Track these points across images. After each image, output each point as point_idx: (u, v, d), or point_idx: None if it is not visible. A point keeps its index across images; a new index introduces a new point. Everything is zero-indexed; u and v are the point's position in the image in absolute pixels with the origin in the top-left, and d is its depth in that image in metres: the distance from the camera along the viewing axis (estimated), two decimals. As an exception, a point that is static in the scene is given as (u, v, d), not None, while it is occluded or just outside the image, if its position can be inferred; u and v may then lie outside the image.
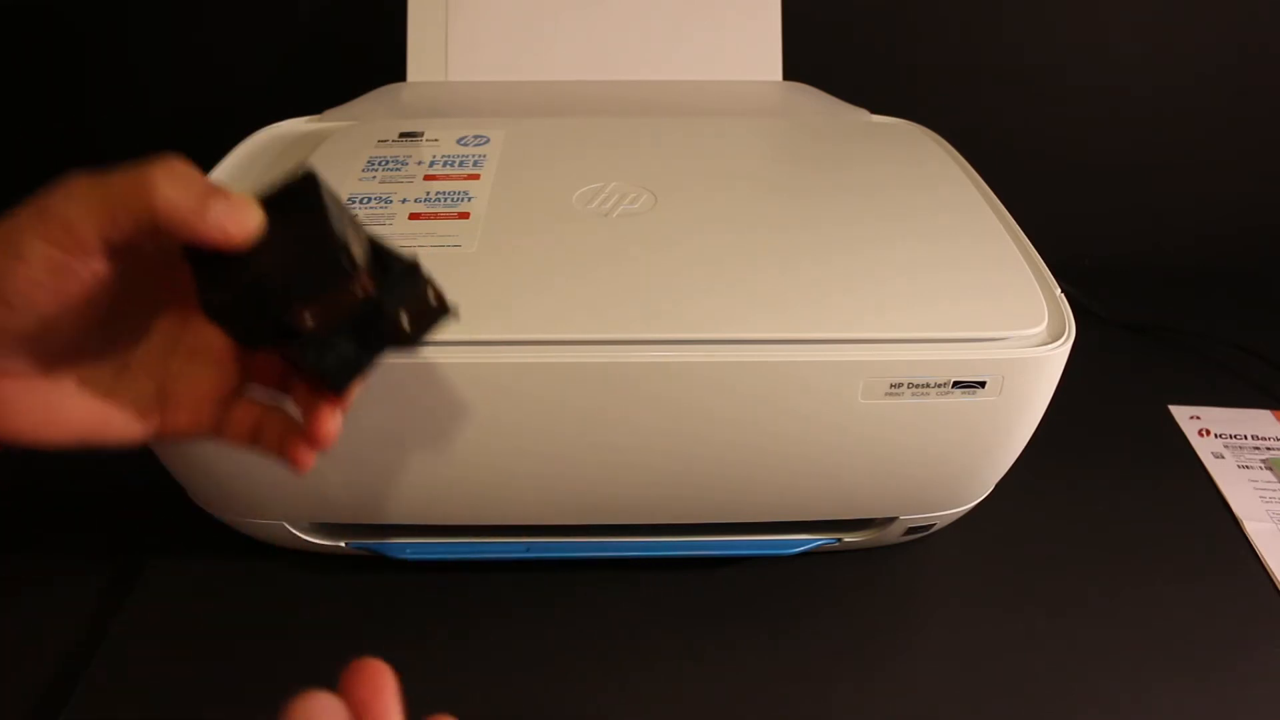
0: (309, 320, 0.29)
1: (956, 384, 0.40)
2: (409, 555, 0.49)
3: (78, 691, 0.45)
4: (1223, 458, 0.62)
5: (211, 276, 0.30)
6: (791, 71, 0.65)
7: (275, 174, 0.51)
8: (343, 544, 0.50)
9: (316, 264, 0.29)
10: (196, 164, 0.51)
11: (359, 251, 0.30)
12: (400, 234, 0.44)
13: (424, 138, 0.53)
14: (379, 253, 0.31)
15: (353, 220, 0.32)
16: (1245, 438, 0.63)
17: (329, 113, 0.61)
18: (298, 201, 0.31)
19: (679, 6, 0.64)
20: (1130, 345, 0.73)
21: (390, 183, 0.49)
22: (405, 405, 0.40)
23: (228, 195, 0.31)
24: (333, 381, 0.31)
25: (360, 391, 0.39)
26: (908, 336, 0.40)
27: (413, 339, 0.31)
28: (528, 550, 0.49)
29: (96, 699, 0.45)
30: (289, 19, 0.76)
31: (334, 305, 0.30)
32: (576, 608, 0.50)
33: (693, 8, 0.64)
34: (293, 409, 0.34)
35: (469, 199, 0.47)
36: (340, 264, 0.29)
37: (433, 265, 0.42)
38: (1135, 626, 0.50)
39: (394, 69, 0.64)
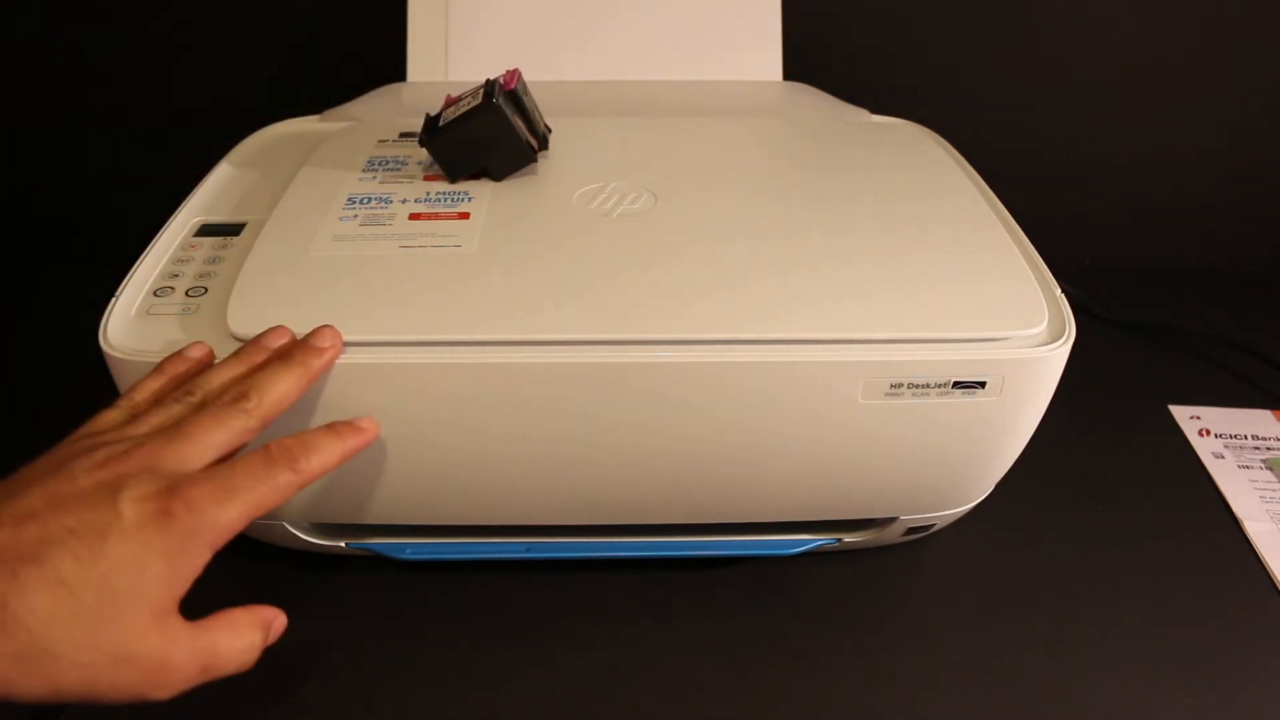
0: None
1: (956, 384, 0.40)
2: (409, 555, 0.49)
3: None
4: (1223, 458, 0.62)
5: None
6: (791, 71, 0.65)
7: (275, 174, 0.51)
8: (343, 544, 0.50)
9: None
10: (197, 164, 0.51)
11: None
12: (400, 234, 0.44)
13: (424, 138, 0.53)
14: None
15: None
16: (1245, 438, 0.63)
17: (329, 113, 0.61)
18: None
19: (679, 7, 0.64)
20: (1130, 345, 0.73)
21: (390, 183, 0.49)
22: (405, 405, 0.40)
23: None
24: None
25: (360, 391, 0.39)
26: (908, 337, 0.40)
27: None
28: (528, 550, 0.49)
29: (96, 699, 0.45)
30: (289, 19, 0.76)
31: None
32: (576, 608, 0.50)
33: (693, 8, 0.64)
34: None
35: (469, 199, 0.47)
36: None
37: (433, 265, 0.42)
38: (1134, 627, 0.50)
39: (394, 69, 0.64)
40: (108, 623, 0.30)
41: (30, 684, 0.29)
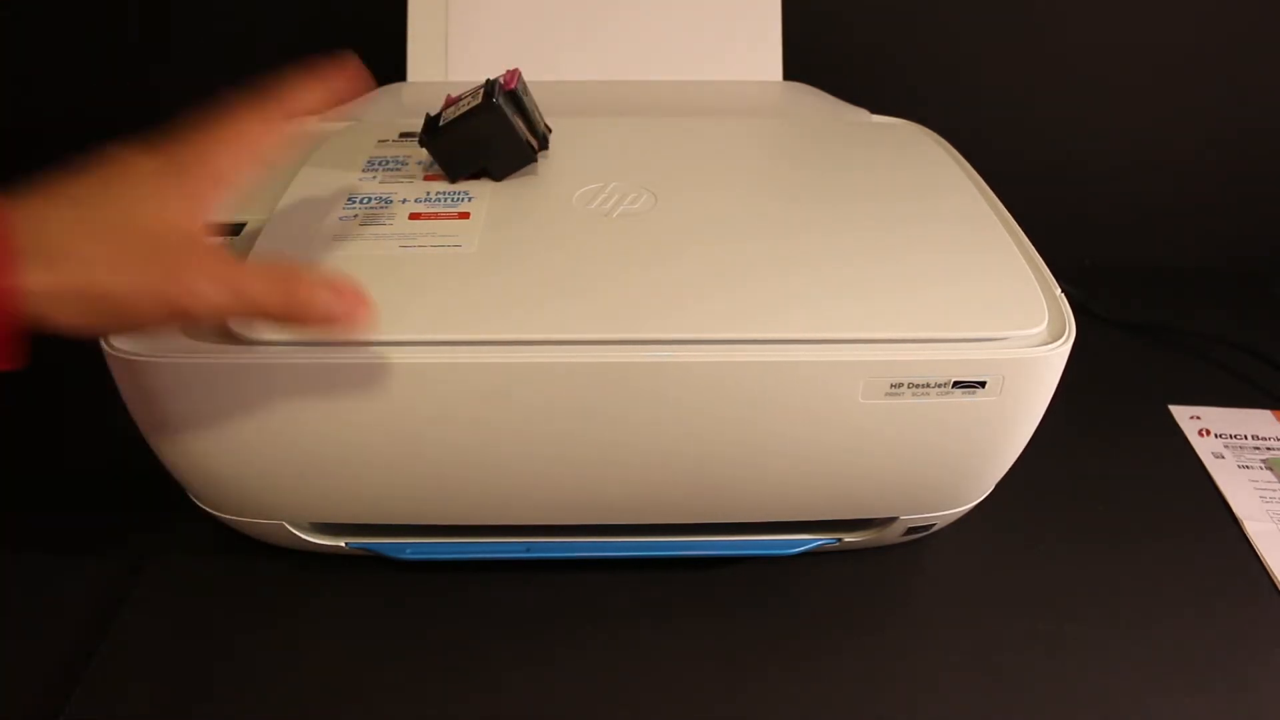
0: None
1: (956, 384, 0.40)
2: (409, 555, 0.49)
3: (78, 690, 0.45)
4: (1223, 458, 0.62)
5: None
6: (791, 71, 0.65)
7: (275, 174, 0.51)
8: (343, 544, 0.50)
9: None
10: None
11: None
12: (400, 234, 0.44)
13: (424, 138, 0.53)
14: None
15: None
16: (1245, 438, 0.63)
17: (329, 113, 0.61)
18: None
19: (679, 7, 0.64)
20: (1130, 345, 0.73)
21: (390, 183, 0.49)
22: (405, 405, 0.40)
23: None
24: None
25: (360, 391, 0.39)
26: (908, 336, 0.40)
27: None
28: (528, 550, 0.49)
29: (96, 698, 0.45)
30: (289, 19, 0.76)
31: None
32: (576, 608, 0.50)
33: (693, 8, 0.64)
34: None
35: (469, 199, 0.47)
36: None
37: (433, 265, 0.42)
38: (1135, 627, 0.50)
39: (394, 69, 0.64)
40: (133, 206, 0.33)
41: (61, 285, 0.31)
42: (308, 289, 0.34)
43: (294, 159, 0.52)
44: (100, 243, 0.32)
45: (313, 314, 0.34)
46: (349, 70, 0.39)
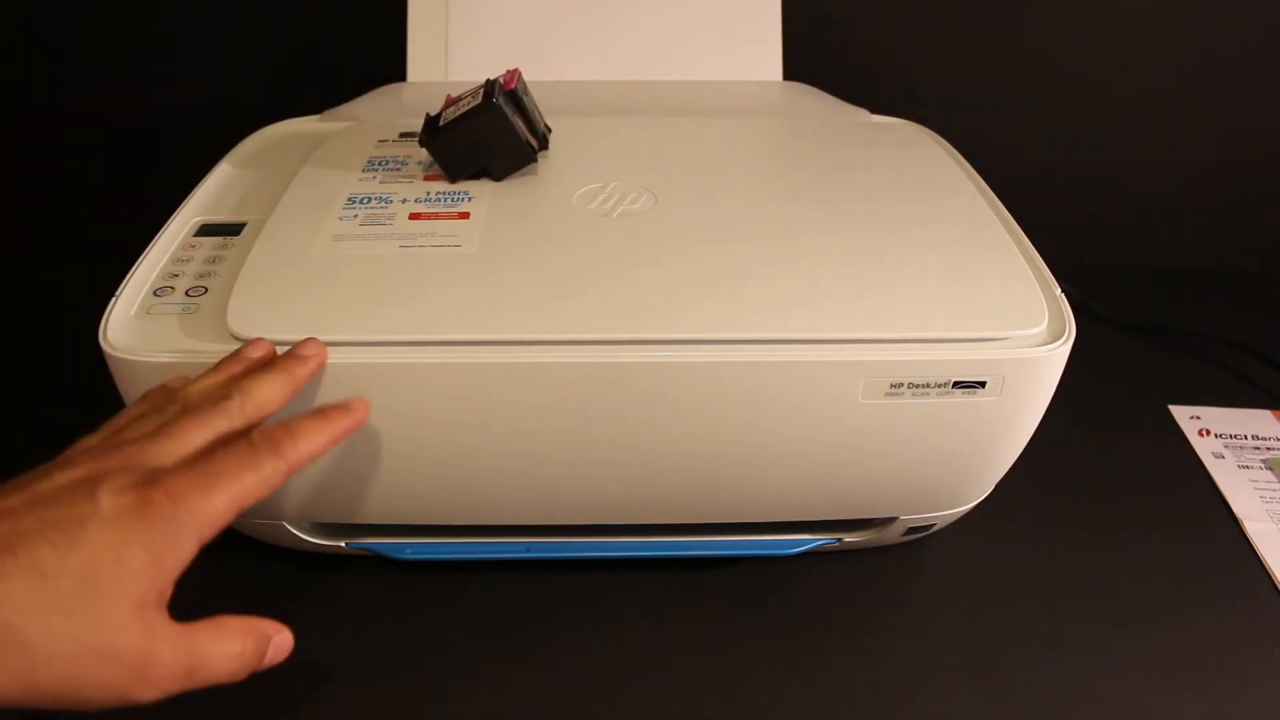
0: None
1: (956, 384, 0.40)
2: (409, 555, 0.49)
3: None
4: (1223, 458, 0.62)
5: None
6: (791, 71, 0.65)
7: (275, 174, 0.51)
8: (343, 544, 0.50)
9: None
10: (196, 164, 0.51)
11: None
12: (400, 234, 0.44)
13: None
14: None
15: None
16: (1245, 438, 0.63)
17: (329, 113, 0.61)
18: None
19: (679, 7, 0.64)
20: (1130, 345, 0.73)
21: (390, 183, 0.49)
22: (405, 405, 0.40)
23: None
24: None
25: (360, 391, 0.39)
26: (908, 336, 0.40)
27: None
28: (528, 550, 0.49)
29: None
30: (289, 19, 0.76)
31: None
32: (576, 608, 0.50)
33: (693, 8, 0.64)
34: None
35: (469, 199, 0.47)
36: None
37: (433, 265, 0.42)
38: (1135, 627, 0.50)
39: (394, 69, 0.64)
40: (86, 612, 0.29)
41: (4, 679, 0.28)
42: (257, 657, 0.34)
43: (294, 159, 0.52)
44: (57, 636, 0.28)
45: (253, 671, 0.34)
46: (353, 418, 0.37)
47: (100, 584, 0.29)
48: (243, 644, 0.34)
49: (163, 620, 0.31)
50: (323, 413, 0.36)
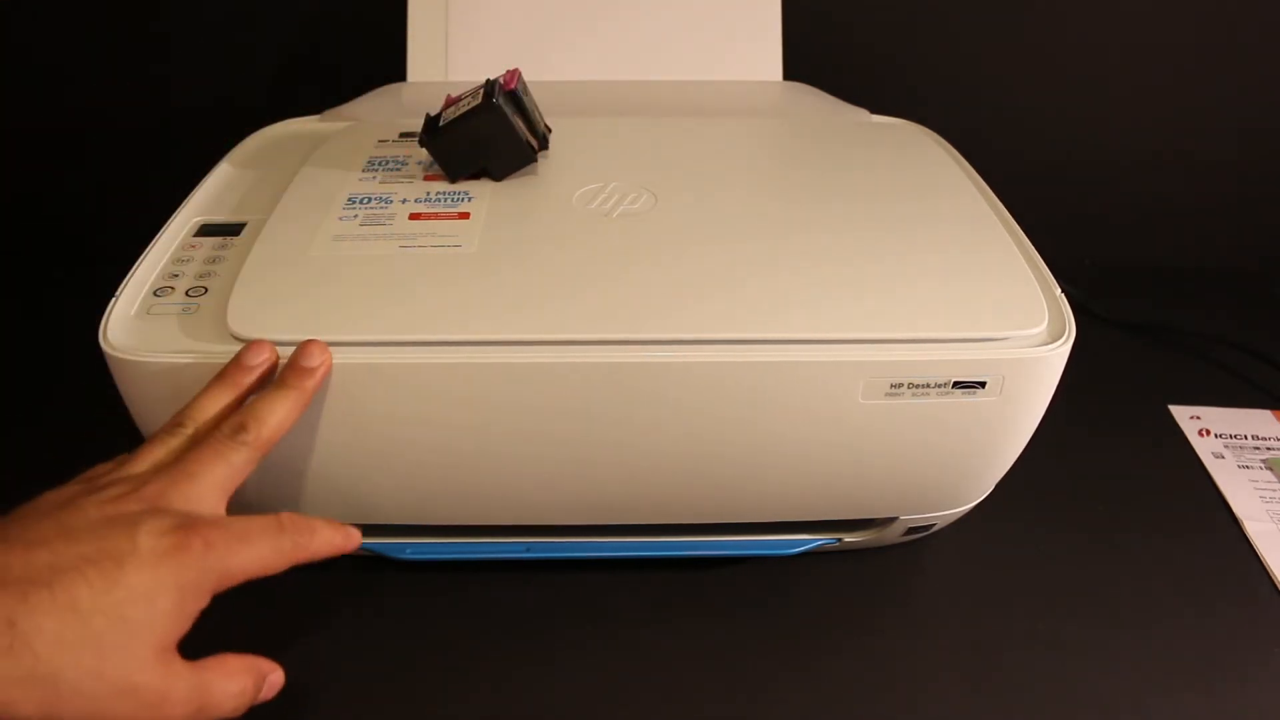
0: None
1: (956, 384, 0.40)
2: (409, 555, 0.49)
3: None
4: (1223, 458, 0.62)
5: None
6: (791, 71, 0.65)
7: (275, 174, 0.51)
8: (343, 544, 0.50)
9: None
10: (196, 164, 0.52)
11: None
12: (400, 234, 0.44)
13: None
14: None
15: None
16: (1245, 438, 0.63)
17: (329, 113, 0.61)
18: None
19: (679, 7, 0.64)
20: (1130, 345, 0.73)
21: (390, 183, 0.49)
22: (405, 405, 0.40)
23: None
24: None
25: (361, 391, 0.39)
26: (908, 336, 0.40)
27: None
28: (528, 550, 0.49)
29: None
30: (289, 19, 0.76)
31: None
32: (576, 608, 0.50)
33: (693, 8, 0.64)
34: None
35: (469, 199, 0.47)
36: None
37: (433, 265, 0.42)
38: (1135, 627, 0.50)
39: (394, 69, 0.64)
40: (115, 651, 0.30)
41: (30, 709, 0.29)
42: (255, 695, 0.35)
43: (294, 159, 0.52)
44: (86, 673, 0.30)
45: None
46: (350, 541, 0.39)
47: (130, 624, 0.30)
48: (244, 683, 0.35)
49: (179, 661, 0.32)
50: (341, 529, 0.38)
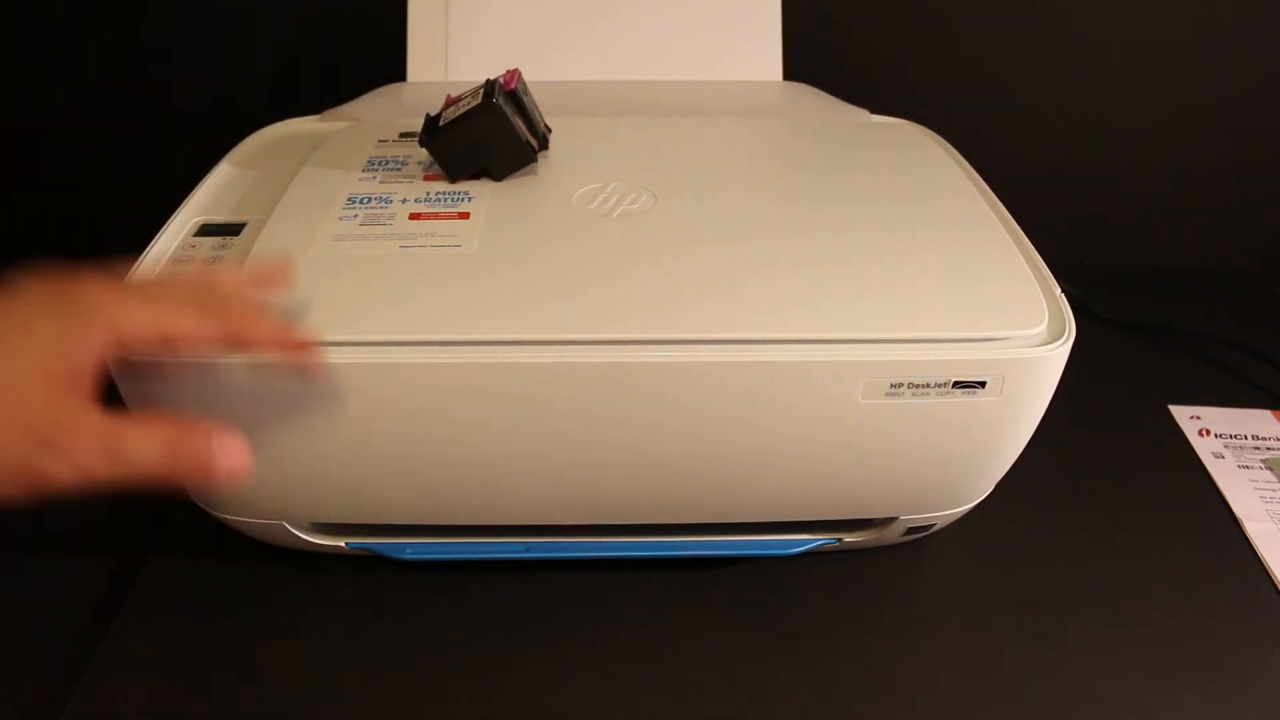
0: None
1: (956, 384, 0.40)
2: (409, 555, 0.49)
3: (78, 690, 0.45)
4: (1223, 458, 0.62)
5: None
6: (791, 71, 0.65)
7: (275, 174, 0.51)
8: (343, 544, 0.50)
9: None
10: (196, 164, 0.51)
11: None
12: (400, 234, 0.44)
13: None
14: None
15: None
16: (1245, 438, 0.63)
17: (329, 113, 0.61)
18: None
19: (679, 7, 0.64)
20: (1130, 345, 0.73)
21: (390, 183, 0.49)
22: (405, 405, 0.40)
23: None
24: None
25: (361, 391, 0.40)
26: (908, 336, 0.40)
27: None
28: (528, 550, 0.49)
29: (97, 698, 0.45)
30: (289, 19, 0.76)
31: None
32: (576, 608, 0.50)
33: (693, 8, 0.64)
34: None
35: (469, 199, 0.47)
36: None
37: (433, 265, 0.42)
38: (1135, 627, 0.50)
39: (394, 69, 0.64)
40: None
41: None
42: (191, 449, 0.33)
43: (294, 159, 0.52)
44: None
45: (194, 472, 0.33)
46: (306, 354, 0.37)
47: (8, 353, 0.30)
48: (167, 433, 0.32)
49: (77, 398, 0.31)
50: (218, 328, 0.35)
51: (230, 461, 0.33)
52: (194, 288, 0.34)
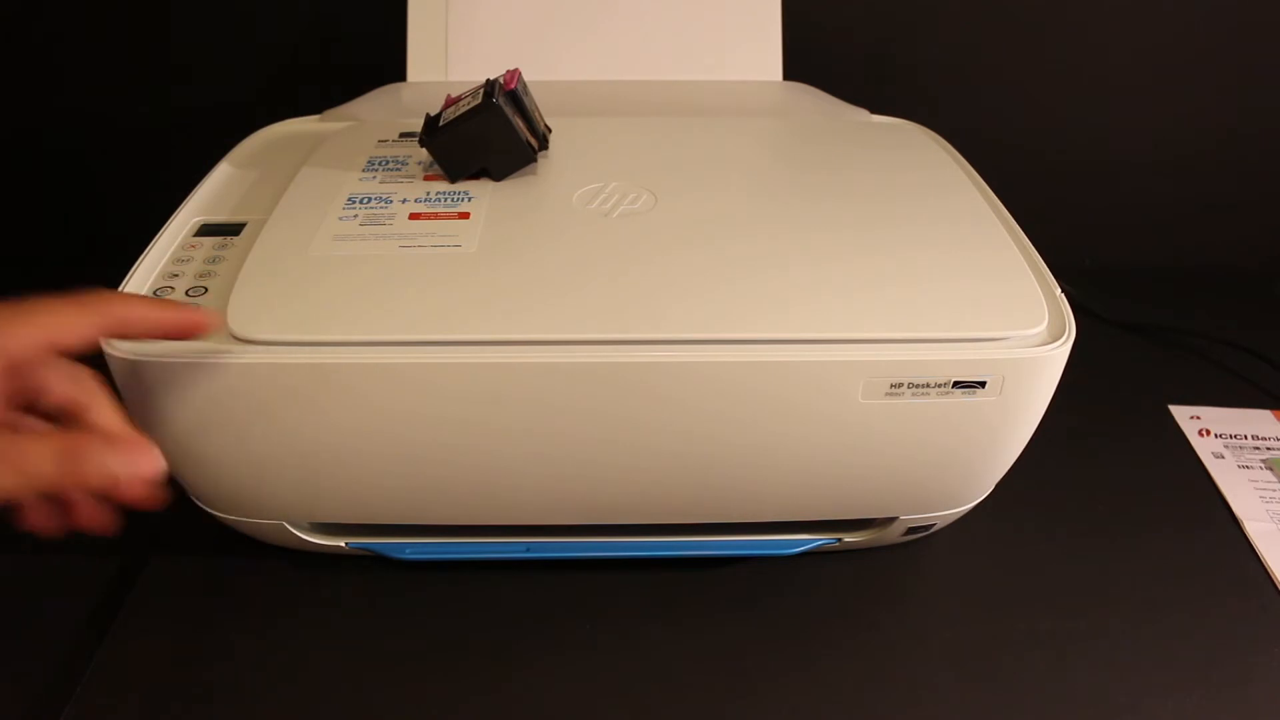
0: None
1: (956, 384, 0.40)
2: (409, 555, 0.49)
3: (79, 690, 0.45)
4: (1223, 458, 0.62)
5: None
6: (791, 71, 0.65)
7: (275, 174, 0.51)
8: (343, 544, 0.50)
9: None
10: (197, 164, 0.52)
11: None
12: (400, 234, 0.44)
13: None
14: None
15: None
16: (1245, 438, 0.63)
17: (329, 113, 0.61)
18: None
19: (679, 7, 0.64)
20: (1130, 345, 0.73)
21: (390, 183, 0.49)
22: (404, 404, 0.40)
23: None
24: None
25: (360, 391, 0.39)
26: (908, 336, 0.40)
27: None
28: (528, 550, 0.49)
29: (97, 697, 0.45)
30: (289, 19, 0.76)
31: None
32: (576, 608, 0.50)
33: (693, 8, 0.64)
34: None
35: (469, 199, 0.47)
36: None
37: (432, 265, 0.42)
38: (1135, 626, 0.50)
39: (394, 69, 0.64)
40: None
41: None
42: (86, 458, 0.32)
43: (294, 159, 0.52)
44: None
45: (94, 481, 0.33)
46: (191, 321, 0.37)
47: None
48: (60, 443, 0.33)
49: None
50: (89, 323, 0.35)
51: (134, 468, 0.33)
52: (75, 294, 0.34)
